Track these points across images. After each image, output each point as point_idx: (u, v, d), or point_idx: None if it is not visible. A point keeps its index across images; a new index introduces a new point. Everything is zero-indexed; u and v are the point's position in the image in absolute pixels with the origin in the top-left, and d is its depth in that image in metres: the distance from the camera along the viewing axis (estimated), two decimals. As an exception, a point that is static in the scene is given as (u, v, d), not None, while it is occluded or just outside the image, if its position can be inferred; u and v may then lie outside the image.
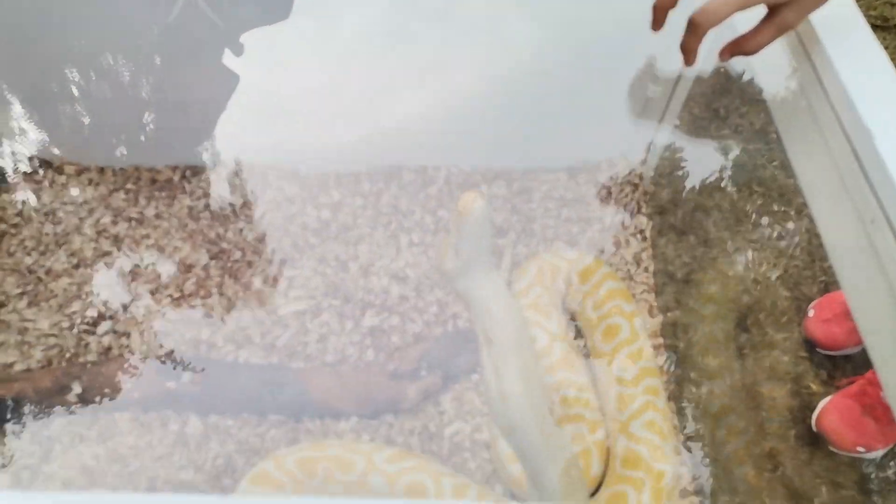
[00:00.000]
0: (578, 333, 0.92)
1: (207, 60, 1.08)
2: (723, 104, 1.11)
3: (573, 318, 0.93)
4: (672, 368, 0.89)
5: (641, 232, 1.00)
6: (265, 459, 0.78)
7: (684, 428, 0.84)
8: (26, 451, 0.82)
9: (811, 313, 0.97)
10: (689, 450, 0.83)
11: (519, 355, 0.64)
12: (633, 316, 0.88)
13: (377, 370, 0.87)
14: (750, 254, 1.03)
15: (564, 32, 1.03)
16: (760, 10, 0.55)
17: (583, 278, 0.92)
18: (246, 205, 1.06)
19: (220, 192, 1.07)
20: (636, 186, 1.05)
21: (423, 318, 0.95)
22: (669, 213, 1.00)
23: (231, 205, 1.06)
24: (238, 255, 1.01)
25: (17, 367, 0.89)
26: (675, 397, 0.87)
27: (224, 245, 1.02)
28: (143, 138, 1.11)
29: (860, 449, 0.90)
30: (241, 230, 1.03)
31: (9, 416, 0.83)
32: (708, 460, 0.83)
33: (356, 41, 1.06)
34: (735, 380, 0.94)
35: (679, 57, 0.58)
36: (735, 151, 1.11)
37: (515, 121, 1.08)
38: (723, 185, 1.09)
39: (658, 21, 0.59)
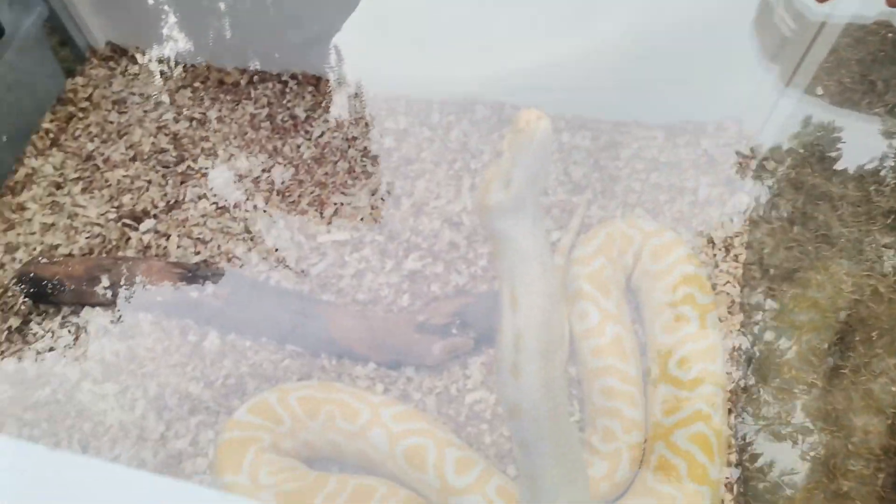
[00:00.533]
0: (639, 318, 0.80)
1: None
2: (882, 75, 0.90)
3: (637, 298, 0.81)
4: (745, 379, 0.75)
5: (742, 213, 0.85)
6: (269, 390, 0.74)
7: (743, 450, 0.71)
8: (57, 334, 0.83)
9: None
10: (742, 476, 0.70)
11: (547, 328, 0.53)
12: (708, 310, 0.75)
13: (406, 318, 0.80)
14: (876, 258, 0.85)
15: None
16: None
17: (656, 256, 0.79)
18: (308, 120, 1.00)
19: (286, 102, 1.01)
20: (747, 158, 0.88)
21: (469, 270, 0.86)
22: (783, 196, 0.83)
23: (293, 117, 1.00)
24: (291, 171, 0.95)
25: (61, 251, 0.89)
26: (740, 413, 0.73)
27: (279, 159, 0.96)
28: (221, 35, 1.06)
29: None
30: (298, 146, 0.97)
31: (48, 297, 0.83)
32: (766, 493, 0.70)
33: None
34: (822, 403, 0.78)
35: None
36: (889, 136, 0.90)
37: (614, 71, 0.93)
38: (863, 173, 0.90)
39: None
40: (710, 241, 0.84)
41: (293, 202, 0.92)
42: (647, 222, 0.83)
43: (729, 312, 0.79)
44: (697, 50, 0.88)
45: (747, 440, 0.71)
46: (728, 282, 0.81)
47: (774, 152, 0.86)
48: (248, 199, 0.93)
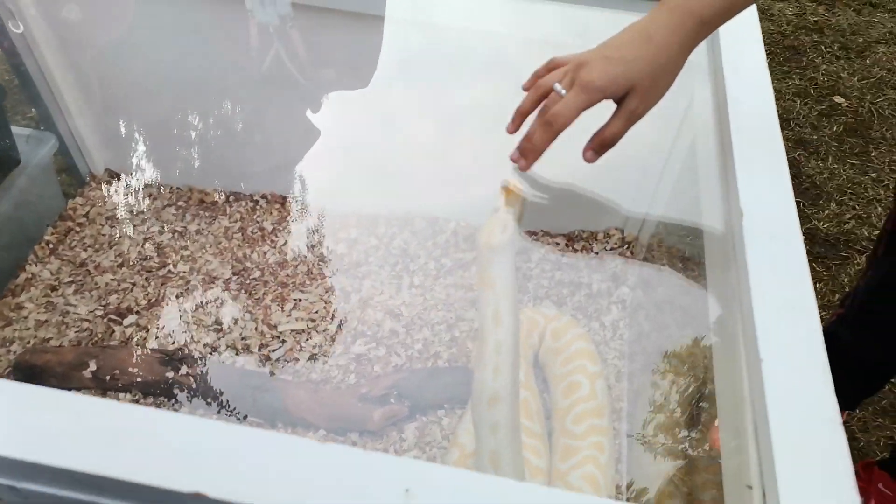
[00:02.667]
0: (545, 386, 0.96)
1: (291, 112, 1.24)
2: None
3: (543, 370, 0.98)
4: (629, 433, 0.91)
5: (623, 301, 1.05)
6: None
7: (629, 486, 0.86)
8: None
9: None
10: (627, 512, 0.84)
11: (517, 341, 0.68)
12: (596, 377, 0.92)
13: (351, 391, 0.95)
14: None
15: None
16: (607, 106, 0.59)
17: (556, 336, 0.97)
18: (274, 231, 1.19)
19: (256, 218, 1.21)
20: (627, 257, 1.10)
21: (407, 353, 1.03)
22: (652, 288, 1.04)
23: (262, 230, 1.19)
24: (257, 273, 1.13)
25: (52, 343, 1.03)
26: (626, 461, 0.89)
27: (248, 264, 1.14)
28: (203, 163, 1.28)
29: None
30: (265, 253, 1.16)
31: (40, 382, 0.96)
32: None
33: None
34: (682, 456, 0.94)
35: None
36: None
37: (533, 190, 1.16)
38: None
39: (515, 124, 0.66)
40: (602, 324, 1.03)
41: (258, 298, 1.09)
42: (550, 309, 1.02)
43: (616, 380, 0.96)
44: (594, 177, 1.12)
45: (632, 478, 0.86)
46: (616, 356, 0.99)
47: (645, 252, 1.08)
48: (218, 297, 1.10)
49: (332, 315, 1.07)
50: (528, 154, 0.63)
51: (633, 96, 0.55)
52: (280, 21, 1.13)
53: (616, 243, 1.12)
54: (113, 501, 0.38)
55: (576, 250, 1.13)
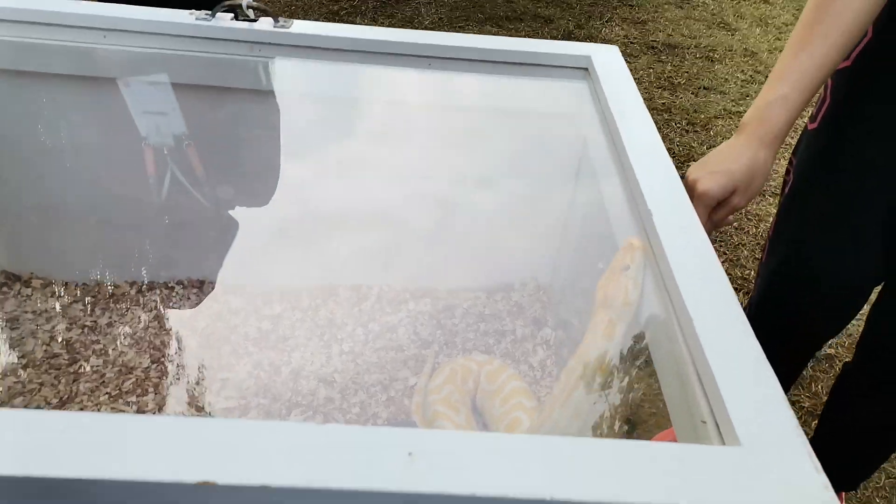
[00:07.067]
0: (486, 427, 0.99)
1: (198, 231, 1.24)
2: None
3: (482, 413, 1.00)
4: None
5: (547, 342, 1.11)
6: None
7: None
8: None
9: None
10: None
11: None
12: (534, 411, 0.96)
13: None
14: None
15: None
16: None
17: (491, 379, 1.01)
18: (193, 316, 1.16)
19: (172, 304, 1.18)
20: (543, 303, 1.18)
21: (345, 417, 1.02)
22: (571, 325, 1.12)
23: (179, 316, 1.16)
24: (178, 359, 1.09)
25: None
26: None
27: (167, 351, 1.10)
28: (109, 256, 1.24)
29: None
30: (184, 338, 1.12)
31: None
32: None
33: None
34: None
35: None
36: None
37: (444, 249, 1.23)
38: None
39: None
40: (530, 365, 1.08)
41: (184, 381, 1.05)
42: (481, 356, 1.06)
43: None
44: (505, 236, 1.21)
45: None
46: (548, 392, 1.03)
47: (559, 296, 1.17)
48: (138, 388, 1.04)
49: (264, 389, 1.05)
50: None
51: (735, 195, 0.71)
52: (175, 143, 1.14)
53: (532, 290, 1.20)
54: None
55: (497, 300, 1.19)
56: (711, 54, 3.18)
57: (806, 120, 0.88)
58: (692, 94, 2.84)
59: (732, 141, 0.74)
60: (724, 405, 0.42)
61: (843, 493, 1.22)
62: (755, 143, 0.71)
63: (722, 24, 3.51)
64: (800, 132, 0.90)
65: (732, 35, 3.41)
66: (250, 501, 0.36)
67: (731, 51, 3.23)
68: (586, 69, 0.91)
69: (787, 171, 0.88)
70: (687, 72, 2.99)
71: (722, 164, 0.72)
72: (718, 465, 0.38)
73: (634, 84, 0.82)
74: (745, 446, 0.40)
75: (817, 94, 0.79)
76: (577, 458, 0.38)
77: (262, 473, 0.36)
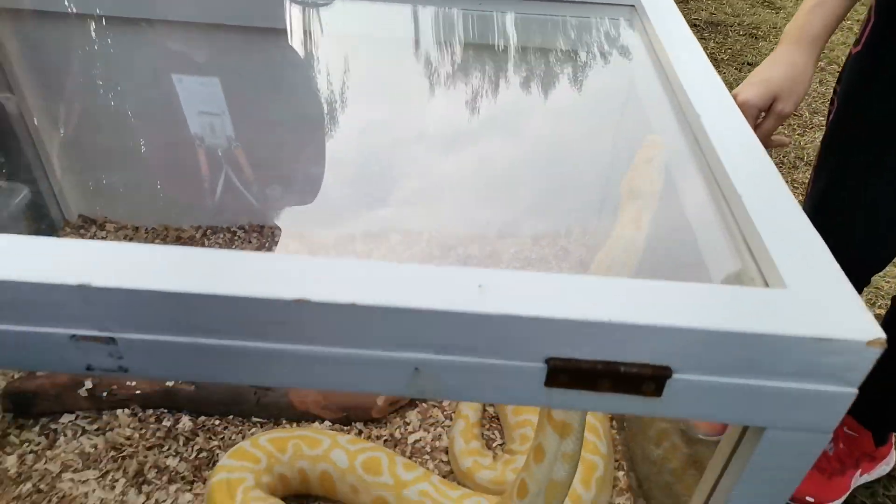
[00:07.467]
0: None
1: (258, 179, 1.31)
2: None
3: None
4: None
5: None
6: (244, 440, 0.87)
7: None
8: (36, 440, 0.92)
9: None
10: None
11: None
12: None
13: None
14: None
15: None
16: None
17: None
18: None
19: (234, 247, 1.25)
20: (589, 248, 1.21)
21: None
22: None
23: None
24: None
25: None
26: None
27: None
28: (176, 202, 1.32)
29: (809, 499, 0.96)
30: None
31: (30, 408, 0.94)
32: None
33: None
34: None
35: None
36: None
37: (490, 195, 1.27)
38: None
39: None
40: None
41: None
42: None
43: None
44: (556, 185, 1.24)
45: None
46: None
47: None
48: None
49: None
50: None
51: (778, 102, 0.73)
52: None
53: (578, 236, 1.23)
54: (215, 341, 0.42)
55: (542, 246, 1.23)
56: (755, 31, 3.13)
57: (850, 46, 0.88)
58: (735, 69, 2.81)
59: (773, 53, 0.77)
60: (768, 251, 0.45)
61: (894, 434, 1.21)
62: (793, 48, 0.74)
63: (766, 2, 3.46)
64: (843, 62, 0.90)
65: (777, 13, 3.35)
66: (340, 317, 0.41)
67: (775, 28, 3.18)
68: (633, 6, 0.94)
69: (832, 101, 0.89)
70: (730, 48, 2.96)
71: (760, 74, 0.74)
72: (769, 304, 0.41)
73: (682, 15, 0.84)
74: (791, 288, 0.43)
75: (860, 18, 0.80)
76: (635, 291, 0.42)
77: (352, 293, 0.41)
